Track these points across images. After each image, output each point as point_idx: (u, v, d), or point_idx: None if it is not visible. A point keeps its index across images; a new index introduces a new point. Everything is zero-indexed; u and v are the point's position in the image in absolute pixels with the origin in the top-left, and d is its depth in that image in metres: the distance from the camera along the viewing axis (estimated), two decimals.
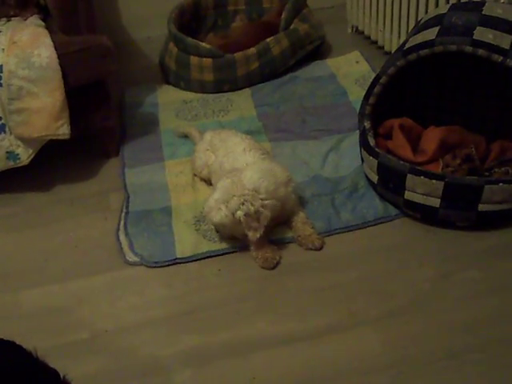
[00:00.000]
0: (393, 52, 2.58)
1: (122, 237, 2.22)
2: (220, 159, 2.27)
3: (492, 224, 2.09)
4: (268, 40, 3.08)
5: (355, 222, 2.17)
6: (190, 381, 1.72)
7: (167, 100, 3.06)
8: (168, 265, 2.09)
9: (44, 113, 2.30)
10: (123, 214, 2.32)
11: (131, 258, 2.13)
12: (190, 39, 3.06)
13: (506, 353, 1.70)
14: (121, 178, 2.52)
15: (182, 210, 2.30)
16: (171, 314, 1.93)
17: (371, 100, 2.21)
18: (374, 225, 2.17)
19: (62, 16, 2.50)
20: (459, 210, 2.04)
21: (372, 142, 2.19)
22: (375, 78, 2.21)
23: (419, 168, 2.05)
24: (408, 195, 2.08)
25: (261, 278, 2.02)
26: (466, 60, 2.14)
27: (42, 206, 2.44)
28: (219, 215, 2.03)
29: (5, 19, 2.65)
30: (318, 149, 2.55)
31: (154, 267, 2.09)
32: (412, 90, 2.44)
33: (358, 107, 2.34)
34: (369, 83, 2.26)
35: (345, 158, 2.48)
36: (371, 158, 2.17)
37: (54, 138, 2.36)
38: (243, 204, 1.99)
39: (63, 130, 2.34)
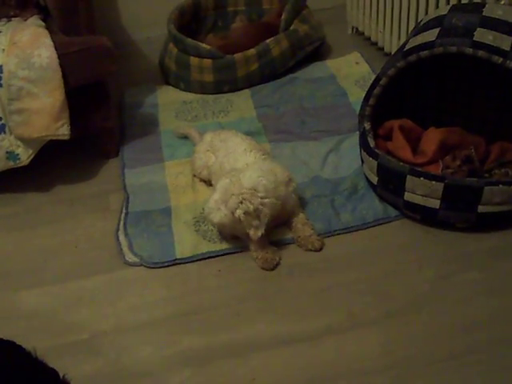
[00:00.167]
0: (393, 53, 2.58)
1: (122, 237, 2.22)
2: (220, 160, 2.27)
3: (492, 225, 2.09)
4: (268, 41, 3.08)
5: (355, 223, 2.17)
6: (189, 381, 1.72)
7: (167, 101, 3.06)
8: (168, 265, 2.09)
9: (44, 113, 2.30)
10: (123, 215, 2.32)
11: (131, 258, 2.13)
12: (189, 40, 3.06)
13: (506, 354, 1.70)
14: (120, 179, 2.52)
15: (181, 210, 2.30)
16: (171, 314, 1.93)
17: (371, 101, 2.21)
18: (374, 226, 2.17)
19: (62, 16, 2.51)
20: (459, 212, 2.04)
21: (372, 143, 2.19)
22: (375, 79, 2.21)
23: (419, 169, 2.06)
24: (408, 196, 2.08)
25: (260, 279, 2.02)
26: (466, 61, 2.15)
27: (41, 206, 2.44)
28: (219, 215, 2.03)
29: (5, 20, 2.65)
30: (317, 150, 2.55)
31: (154, 268, 2.09)
32: (412, 91, 2.44)
33: (357, 108, 2.34)
34: (369, 84, 2.26)
35: (345, 159, 2.48)
36: (371, 159, 2.17)
37: (54, 138, 2.36)
38: (242, 202, 1.99)
39: (63, 131, 2.35)
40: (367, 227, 2.17)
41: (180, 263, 2.09)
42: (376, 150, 2.16)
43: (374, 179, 2.20)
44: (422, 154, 2.26)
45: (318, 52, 3.31)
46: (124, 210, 2.34)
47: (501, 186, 1.96)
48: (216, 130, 2.52)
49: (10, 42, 2.31)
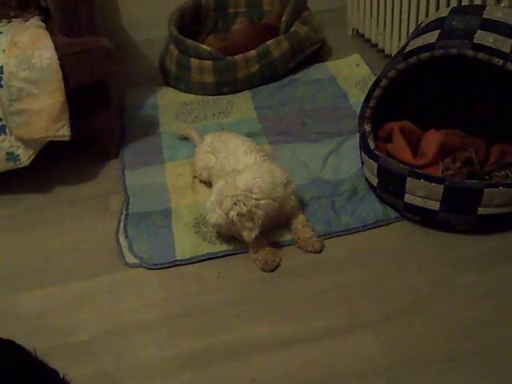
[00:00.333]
0: (393, 55, 2.58)
1: (122, 238, 2.22)
2: (221, 161, 2.27)
3: (492, 227, 2.09)
4: (268, 42, 3.08)
5: (355, 225, 2.17)
6: (189, 383, 1.72)
7: (167, 102, 3.06)
8: (168, 267, 2.09)
9: (44, 114, 2.30)
10: (123, 216, 2.32)
11: (131, 259, 2.13)
12: (190, 41, 3.06)
13: (505, 356, 1.70)
14: (121, 180, 2.52)
15: (181, 212, 2.30)
16: (171, 315, 1.93)
17: (371, 103, 2.22)
18: (374, 228, 2.17)
19: (62, 17, 2.51)
20: (459, 214, 2.04)
21: (372, 144, 2.19)
22: (375, 81, 2.21)
23: (419, 171, 2.06)
24: (408, 198, 2.08)
25: (260, 281, 2.02)
26: (466, 63, 2.14)
27: (41, 207, 2.44)
28: (214, 216, 2.04)
29: (5, 20, 2.65)
30: (317, 151, 2.56)
31: (154, 269, 2.09)
32: (412, 93, 2.44)
33: (358, 110, 2.34)
34: (369, 86, 2.26)
35: (345, 160, 2.48)
36: (371, 160, 2.17)
37: (55, 139, 2.36)
38: (236, 204, 2.00)
39: (63, 132, 2.35)
40: (367, 229, 2.17)
41: (180, 264, 2.09)
42: (376, 152, 2.16)
43: (374, 181, 2.20)
44: (422, 155, 2.26)
45: (319, 54, 3.32)
46: (124, 211, 2.34)
47: (501, 188, 1.96)
48: (216, 132, 2.52)
49: (11, 42, 2.32)
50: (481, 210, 2.00)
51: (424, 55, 2.04)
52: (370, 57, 3.27)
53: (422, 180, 2.01)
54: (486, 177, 2.16)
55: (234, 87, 3.07)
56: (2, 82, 2.26)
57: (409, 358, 1.71)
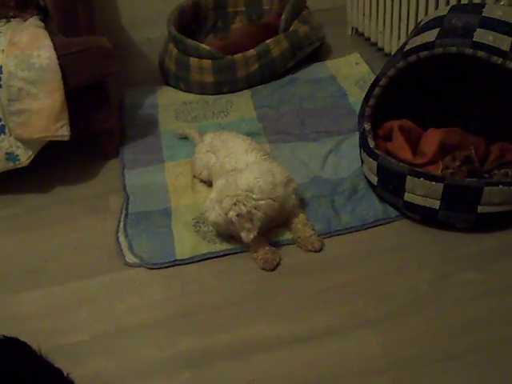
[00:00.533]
0: (393, 54, 2.58)
1: (122, 238, 2.22)
2: (221, 160, 2.27)
3: (491, 226, 2.09)
4: (268, 41, 3.08)
5: (355, 224, 2.17)
6: (188, 383, 1.72)
7: (167, 101, 3.06)
8: (167, 266, 2.09)
9: (43, 114, 2.30)
10: (123, 216, 2.32)
11: (131, 259, 2.13)
12: (189, 40, 3.06)
13: (506, 354, 1.70)
14: (120, 180, 2.52)
15: (181, 211, 2.30)
16: (170, 315, 1.93)
17: (371, 102, 2.22)
18: (374, 226, 2.17)
19: (61, 17, 2.51)
20: (459, 212, 2.04)
21: (372, 143, 2.19)
22: (375, 79, 2.21)
23: (419, 170, 2.06)
24: (408, 197, 2.08)
25: (260, 280, 2.02)
26: (465, 62, 2.14)
27: (41, 207, 2.44)
28: (213, 214, 2.04)
29: (4, 20, 2.65)
30: (317, 150, 2.56)
31: (154, 268, 2.09)
32: (412, 91, 2.44)
33: (357, 109, 2.34)
34: (369, 85, 2.26)
35: (344, 159, 2.48)
36: (371, 159, 2.17)
37: (54, 139, 2.36)
38: (235, 204, 2.00)
39: (63, 132, 2.35)
40: (367, 228, 2.17)
41: (180, 264, 2.09)
42: (376, 151, 2.16)
43: (374, 180, 2.20)
44: (421, 154, 2.26)
45: (318, 52, 3.32)
46: (124, 211, 2.34)
47: (500, 186, 1.96)
48: (216, 131, 2.52)
49: (10, 42, 2.31)
50: (480, 209, 2.00)
51: (423, 54, 2.04)
52: (370, 55, 3.27)
53: (421, 178, 2.01)
54: (486, 175, 2.16)
55: (234, 86, 3.07)
56: (1, 82, 2.26)
57: (409, 357, 1.71)
